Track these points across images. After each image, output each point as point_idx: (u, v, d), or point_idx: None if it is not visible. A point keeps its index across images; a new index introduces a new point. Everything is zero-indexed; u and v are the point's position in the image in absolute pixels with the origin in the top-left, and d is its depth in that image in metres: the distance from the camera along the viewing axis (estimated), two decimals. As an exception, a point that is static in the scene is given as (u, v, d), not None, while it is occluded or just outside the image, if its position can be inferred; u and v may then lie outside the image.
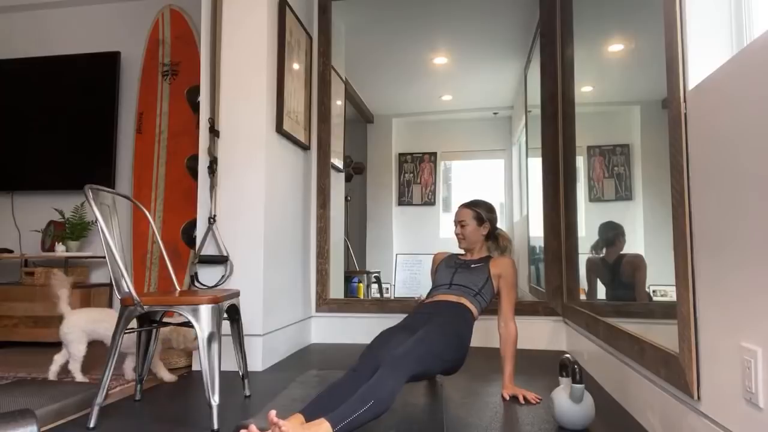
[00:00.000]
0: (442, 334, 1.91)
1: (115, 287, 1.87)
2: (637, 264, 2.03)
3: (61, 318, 2.43)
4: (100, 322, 2.40)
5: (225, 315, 2.03)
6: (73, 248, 3.62)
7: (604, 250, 2.46)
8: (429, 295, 2.34)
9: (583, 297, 2.79)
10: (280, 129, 2.89)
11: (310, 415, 1.51)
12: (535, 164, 3.63)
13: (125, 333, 1.86)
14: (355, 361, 1.81)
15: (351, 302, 3.59)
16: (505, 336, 2.19)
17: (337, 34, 3.80)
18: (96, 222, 1.83)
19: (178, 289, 2.24)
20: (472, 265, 2.32)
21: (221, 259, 2.67)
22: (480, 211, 2.36)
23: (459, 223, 2.38)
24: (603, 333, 2.20)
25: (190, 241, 3.22)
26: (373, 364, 1.73)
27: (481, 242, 2.38)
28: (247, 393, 2.17)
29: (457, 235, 2.39)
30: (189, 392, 2.25)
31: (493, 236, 2.41)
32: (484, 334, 3.08)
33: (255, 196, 2.70)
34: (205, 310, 1.81)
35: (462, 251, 2.43)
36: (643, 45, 1.93)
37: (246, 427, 1.37)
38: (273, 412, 1.38)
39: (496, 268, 2.28)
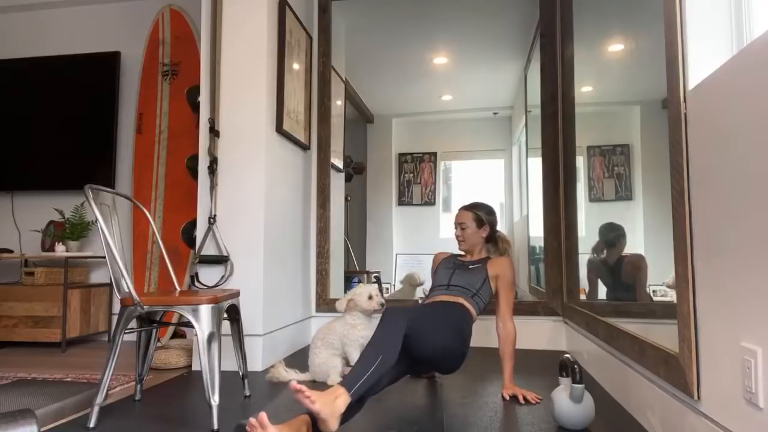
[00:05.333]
0: (446, 323, 1.96)
1: (115, 287, 1.87)
2: (638, 264, 2.03)
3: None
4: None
5: (225, 315, 2.03)
6: (73, 248, 3.62)
7: (604, 252, 2.46)
8: (428, 296, 2.35)
9: (583, 297, 2.79)
10: (280, 129, 2.89)
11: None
12: (535, 164, 3.63)
13: (125, 332, 1.85)
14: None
15: (351, 302, 3.59)
16: (504, 336, 2.20)
17: (337, 34, 3.80)
18: (96, 222, 1.83)
19: (178, 289, 2.24)
20: (470, 266, 2.33)
21: (221, 259, 2.66)
22: (480, 214, 2.38)
23: (459, 225, 2.40)
24: (603, 333, 2.20)
25: (190, 241, 3.22)
26: (396, 325, 1.71)
27: (481, 244, 2.39)
28: (247, 393, 2.17)
29: (457, 237, 2.41)
30: (189, 392, 2.25)
31: (493, 239, 2.42)
32: (483, 334, 3.07)
33: (255, 196, 2.70)
34: (205, 310, 1.81)
35: (462, 252, 2.44)
36: (643, 45, 1.93)
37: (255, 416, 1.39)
38: (263, 413, 1.38)
39: (493, 269, 2.29)
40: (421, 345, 1.79)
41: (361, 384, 1.49)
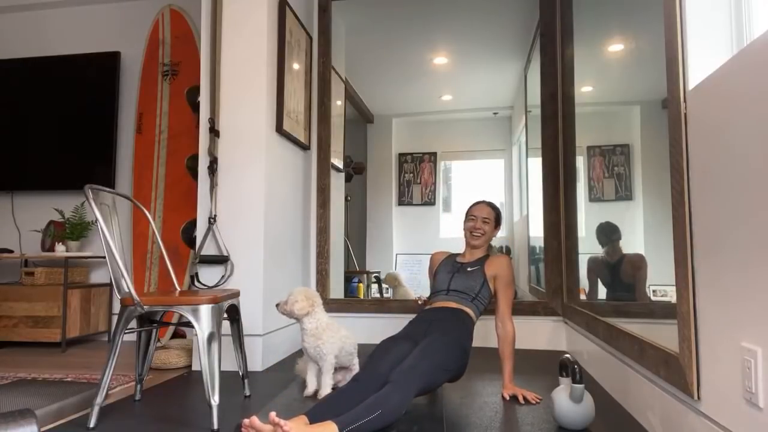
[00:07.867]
0: (443, 345, 1.92)
1: (115, 287, 1.88)
2: (638, 264, 2.03)
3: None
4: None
5: (225, 315, 2.03)
6: (73, 248, 3.62)
7: (603, 250, 2.46)
8: (429, 300, 2.35)
9: (583, 297, 2.79)
10: (280, 129, 2.89)
11: (313, 419, 1.53)
12: (535, 164, 3.63)
13: (125, 332, 1.85)
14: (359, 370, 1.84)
15: (351, 302, 3.59)
16: (503, 336, 2.20)
17: (337, 34, 3.80)
18: (96, 222, 1.83)
19: (178, 289, 2.24)
20: (469, 269, 2.32)
21: (221, 259, 2.66)
22: (498, 213, 2.41)
23: (483, 219, 2.34)
24: (603, 333, 2.20)
25: (190, 241, 3.22)
26: (376, 374, 1.76)
27: (488, 244, 2.42)
28: (247, 393, 2.17)
29: (476, 229, 2.34)
30: (189, 392, 2.25)
31: None
32: (482, 333, 3.07)
33: (255, 196, 2.70)
34: (205, 310, 1.81)
35: (460, 252, 2.44)
36: (643, 45, 1.93)
37: (248, 418, 1.41)
38: (273, 413, 1.40)
39: (491, 269, 2.29)
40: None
41: (354, 428, 1.49)
